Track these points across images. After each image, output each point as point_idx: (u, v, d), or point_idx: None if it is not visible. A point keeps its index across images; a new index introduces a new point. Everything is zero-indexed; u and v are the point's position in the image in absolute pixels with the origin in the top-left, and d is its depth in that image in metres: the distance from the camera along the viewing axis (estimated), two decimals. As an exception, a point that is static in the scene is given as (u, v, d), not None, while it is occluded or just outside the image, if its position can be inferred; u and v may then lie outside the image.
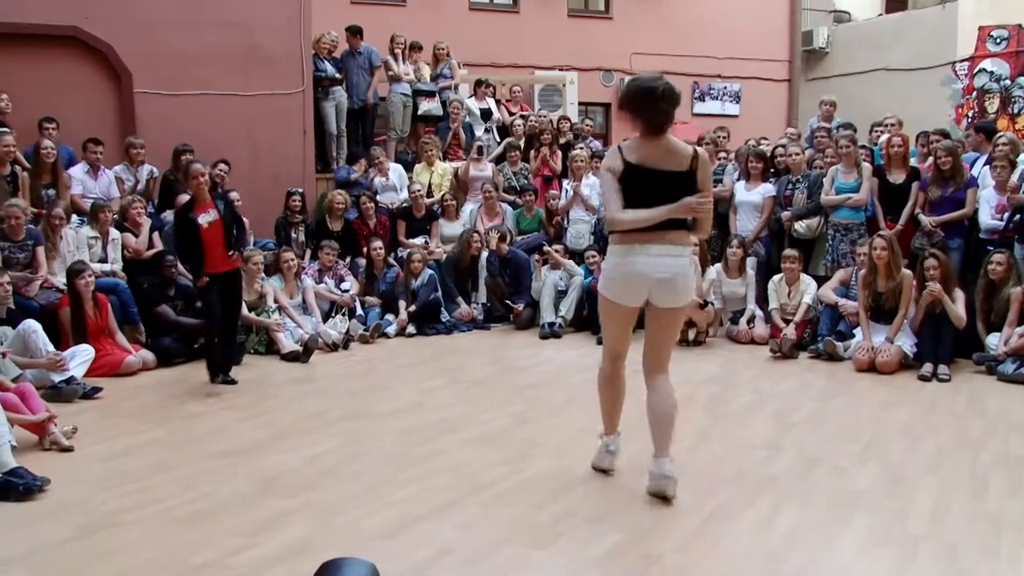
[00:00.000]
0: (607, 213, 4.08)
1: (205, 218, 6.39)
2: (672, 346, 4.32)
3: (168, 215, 8.66)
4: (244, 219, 8.13)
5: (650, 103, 3.99)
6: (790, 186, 8.69)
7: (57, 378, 6.18)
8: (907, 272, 7.19)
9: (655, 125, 4.02)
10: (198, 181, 6.44)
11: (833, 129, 9.68)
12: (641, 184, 3.98)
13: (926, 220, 7.79)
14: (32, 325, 6.26)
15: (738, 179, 9.01)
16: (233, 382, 6.54)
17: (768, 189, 8.78)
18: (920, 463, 4.72)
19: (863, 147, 8.80)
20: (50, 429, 5.02)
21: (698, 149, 4.12)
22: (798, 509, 4.04)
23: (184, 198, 8.31)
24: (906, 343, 7.04)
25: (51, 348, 6.28)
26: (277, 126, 10.18)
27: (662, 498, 4.10)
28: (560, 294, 8.86)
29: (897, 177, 8.10)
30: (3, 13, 8.91)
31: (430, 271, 9.07)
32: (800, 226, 8.46)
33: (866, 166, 8.24)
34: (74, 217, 8.06)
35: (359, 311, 8.73)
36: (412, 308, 8.80)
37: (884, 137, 8.79)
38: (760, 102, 16.35)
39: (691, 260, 4.24)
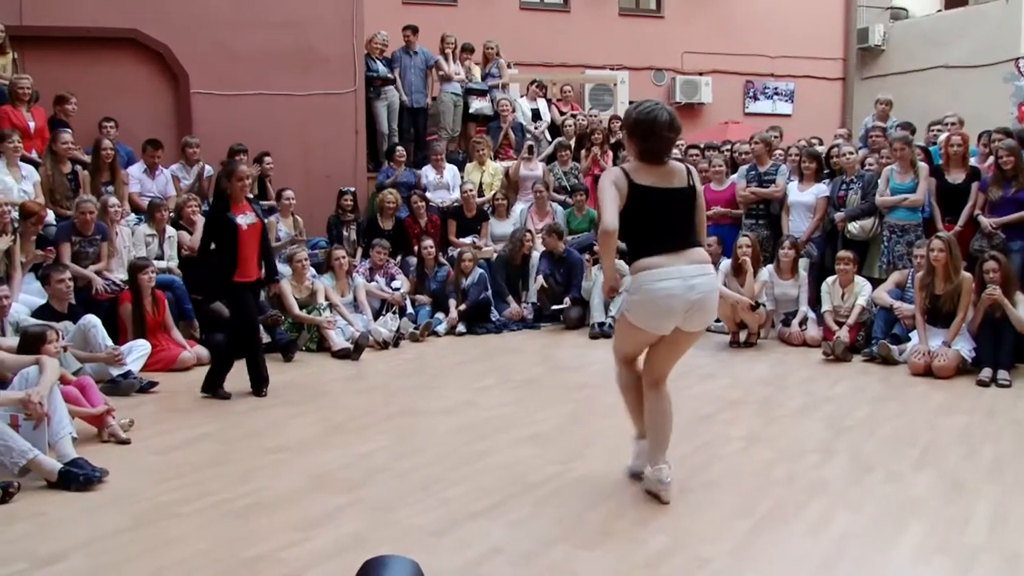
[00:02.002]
0: (605, 219, 3.85)
1: (244, 219, 6.12)
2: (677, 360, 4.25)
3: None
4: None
5: (657, 132, 3.93)
6: (843, 187, 8.55)
7: (115, 372, 6.30)
8: (966, 275, 7.01)
9: (659, 154, 3.97)
10: (243, 183, 6.16)
11: (889, 128, 9.51)
12: (650, 204, 3.91)
13: (986, 221, 7.62)
14: (92, 320, 6.38)
15: (791, 179, 8.90)
16: (263, 394, 6.28)
17: (821, 189, 8.65)
18: (979, 471, 4.61)
19: (919, 147, 8.62)
20: (108, 422, 5.14)
21: (688, 166, 4.13)
22: (851, 514, 3.97)
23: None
24: (964, 347, 6.88)
25: (110, 343, 6.41)
26: (329, 125, 10.32)
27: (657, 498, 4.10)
28: (610, 294, 8.82)
29: (956, 177, 7.94)
30: (66, 17, 9.17)
31: (480, 270, 9.11)
32: (853, 227, 8.32)
33: (922, 166, 8.07)
34: (132, 215, 8.25)
35: (410, 309, 8.80)
36: (462, 307, 8.84)
37: (943, 136, 8.61)
38: (814, 101, 16.16)
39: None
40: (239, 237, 6.06)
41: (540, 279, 9.09)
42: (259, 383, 6.32)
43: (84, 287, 7.19)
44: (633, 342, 4.15)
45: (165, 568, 3.45)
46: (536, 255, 9.40)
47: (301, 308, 7.91)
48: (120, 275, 7.45)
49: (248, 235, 6.12)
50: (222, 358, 6.36)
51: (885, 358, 7.19)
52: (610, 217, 3.82)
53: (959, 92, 13.54)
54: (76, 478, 4.31)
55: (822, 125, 13.60)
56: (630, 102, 13.46)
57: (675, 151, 4.10)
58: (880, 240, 8.20)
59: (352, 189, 9.71)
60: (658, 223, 3.93)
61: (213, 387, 6.24)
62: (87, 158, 8.31)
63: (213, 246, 6.19)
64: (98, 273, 7.34)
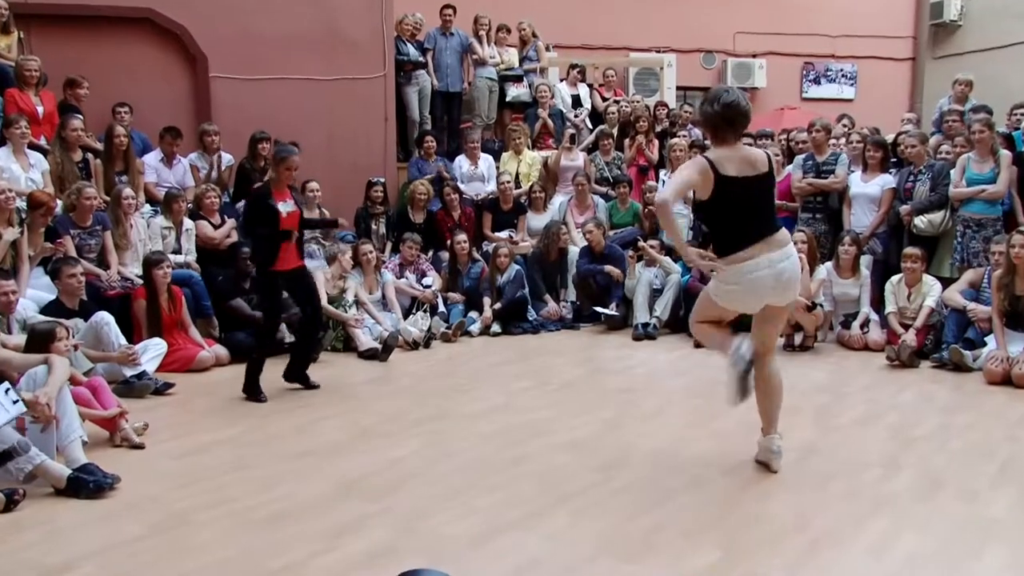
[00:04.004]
0: (664, 193, 4.42)
1: (284, 207, 6.31)
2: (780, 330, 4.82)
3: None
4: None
5: (739, 113, 4.39)
6: (911, 177, 8.44)
7: (129, 373, 6.35)
8: (1051, 274, 6.91)
9: (734, 124, 4.40)
10: (291, 173, 6.44)
11: (965, 112, 9.33)
12: (738, 196, 4.34)
13: (1073, 215, 7.50)
14: (104, 317, 6.43)
15: (852, 169, 8.79)
16: (315, 386, 6.61)
17: (887, 180, 8.53)
18: (1063, 488, 4.53)
19: (1000, 133, 8.44)
20: (121, 425, 5.19)
21: (768, 152, 4.66)
22: (920, 534, 3.92)
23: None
24: (1047, 353, 6.76)
25: (123, 341, 6.46)
26: (357, 112, 10.36)
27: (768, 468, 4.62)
28: (655, 293, 8.80)
29: (1040, 166, 7.81)
30: (78, -5, 9.28)
31: (517, 266, 9.11)
32: (921, 221, 8.20)
33: (1004, 153, 7.89)
34: (147, 207, 8.33)
35: (441, 308, 8.83)
36: (497, 305, 8.85)
37: (1027, 120, 8.44)
38: (879, 84, 15.86)
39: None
40: (280, 224, 6.28)
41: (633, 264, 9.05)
42: (298, 371, 6.66)
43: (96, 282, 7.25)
44: (713, 314, 4.67)
45: (182, 578, 3.50)
46: (574, 250, 9.39)
47: (329, 303, 7.92)
48: (134, 270, 7.54)
49: (287, 223, 6.35)
50: (258, 348, 6.60)
51: (957, 364, 7.08)
52: (669, 191, 4.38)
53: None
54: (86, 485, 4.35)
55: (888, 111, 13.37)
56: (677, 87, 13.53)
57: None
58: (952, 236, 8.06)
59: (382, 180, 9.74)
60: (744, 215, 4.37)
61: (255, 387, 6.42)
62: (99, 146, 8.40)
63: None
64: (107, 268, 7.43)
